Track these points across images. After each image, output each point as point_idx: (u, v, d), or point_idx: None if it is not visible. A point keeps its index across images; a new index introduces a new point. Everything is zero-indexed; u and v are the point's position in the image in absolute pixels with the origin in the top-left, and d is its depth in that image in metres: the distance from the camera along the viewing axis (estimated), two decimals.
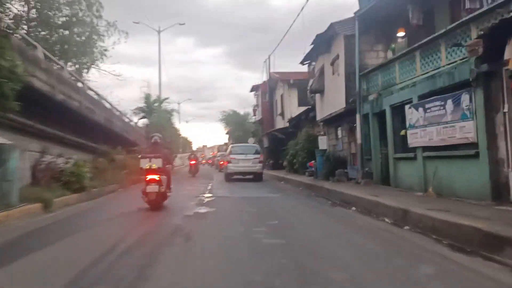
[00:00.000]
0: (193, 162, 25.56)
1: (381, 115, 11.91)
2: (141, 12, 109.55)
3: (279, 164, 28.25)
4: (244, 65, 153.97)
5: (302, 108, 24.33)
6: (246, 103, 74.38)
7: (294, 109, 26.53)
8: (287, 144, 25.03)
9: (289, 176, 19.78)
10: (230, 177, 19.09)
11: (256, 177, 18.93)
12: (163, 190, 9.05)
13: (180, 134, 51.55)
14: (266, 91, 32.18)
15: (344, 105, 13.80)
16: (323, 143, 17.25)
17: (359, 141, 13.05)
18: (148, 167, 8.93)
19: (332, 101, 15.16)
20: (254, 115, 36.61)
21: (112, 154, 17.74)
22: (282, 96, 28.62)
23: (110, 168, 16.61)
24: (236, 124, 44.11)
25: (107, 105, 19.82)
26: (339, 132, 15.78)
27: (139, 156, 9.99)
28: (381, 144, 12.09)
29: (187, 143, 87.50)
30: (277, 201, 11.21)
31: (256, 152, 19.51)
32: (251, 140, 39.65)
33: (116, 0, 56.93)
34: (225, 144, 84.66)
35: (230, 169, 19.04)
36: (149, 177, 8.83)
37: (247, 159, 18.83)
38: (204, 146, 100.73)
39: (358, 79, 12.97)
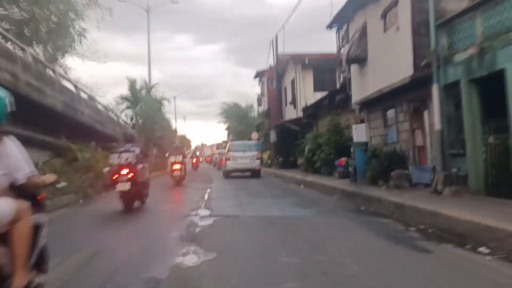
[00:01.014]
0: (194, 160, 29.43)
1: (485, 82, 7.28)
2: (139, 9, 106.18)
3: (291, 162, 23.67)
4: (243, 62, 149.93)
5: (319, 94, 19.73)
6: (247, 99, 69.97)
7: (309, 95, 21.92)
8: (301, 138, 20.47)
9: (310, 177, 15.17)
10: (229, 174, 19.15)
11: (254, 173, 19.04)
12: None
13: (174, 129, 47.30)
14: (273, 77, 27.53)
15: (410, 73, 9.13)
16: (360, 133, 12.66)
17: (437, 126, 8.45)
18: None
19: (383, 72, 10.55)
20: (259, 105, 31.86)
21: (75, 152, 13.09)
22: (293, 81, 23.97)
23: (71, 171, 12.04)
24: (237, 118, 39.52)
25: (71, 88, 15.15)
26: (392, 116, 11.08)
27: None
28: (484, 130, 7.46)
29: (185, 142, 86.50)
30: (316, 226, 6.67)
31: (254, 149, 19.58)
32: (254, 135, 35.14)
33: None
34: (224, 142, 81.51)
35: (228, 166, 19.10)
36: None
37: (245, 156, 18.84)
38: (203, 145, 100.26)
39: (434, 31, 8.35)
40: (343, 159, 14.46)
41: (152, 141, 24.28)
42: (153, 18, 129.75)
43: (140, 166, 8.15)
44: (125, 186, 7.75)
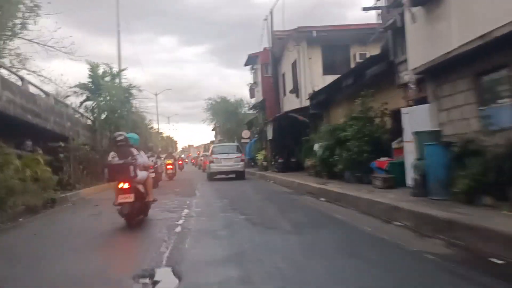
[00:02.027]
0: (180, 162, 31.74)
1: None
2: (123, 9, 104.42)
3: (293, 164, 19.10)
4: (229, 63, 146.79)
5: (330, 78, 15.18)
6: (236, 94, 65.29)
7: (317, 79, 17.39)
8: (309, 133, 15.96)
9: (332, 186, 10.55)
10: (213, 177, 18.90)
11: (239, 175, 18.96)
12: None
13: (153, 128, 43.04)
14: (268, 62, 22.91)
15: None
16: (417, 120, 8.14)
17: None
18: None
19: (488, 5, 5.93)
20: (252, 97, 27.07)
21: None
22: (295, 63, 19.33)
23: None
24: (225, 114, 34.77)
25: None
26: (500, 83, 6.39)
27: None
28: None
29: (171, 143, 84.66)
30: None
31: (238, 151, 19.55)
32: (246, 133, 30.50)
33: None
34: (212, 142, 77.21)
35: (212, 168, 18.89)
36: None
37: (229, 158, 18.74)
38: (190, 146, 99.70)
39: None
40: (385, 159, 9.93)
41: None
42: (136, 19, 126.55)
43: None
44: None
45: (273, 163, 20.72)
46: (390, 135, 10.46)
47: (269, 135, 21.01)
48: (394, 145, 10.07)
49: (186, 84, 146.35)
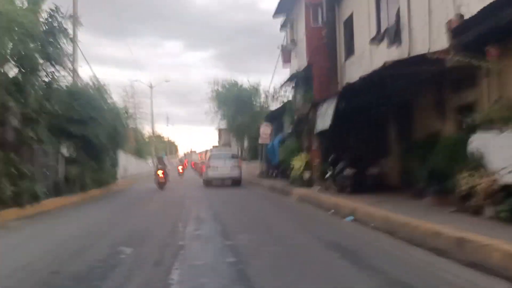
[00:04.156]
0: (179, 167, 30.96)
1: None
2: (128, 13, 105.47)
3: (372, 179, 9.60)
4: (234, 68, 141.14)
5: None
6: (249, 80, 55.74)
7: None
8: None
9: None
10: (210, 183, 18.72)
11: (235, 182, 18.53)
12: None
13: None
14: (320, 0, 13.30)
15: None
16: None
17: None
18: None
19: None
20: (286, 62, 16.82)
21: None
22: None
23: None
24: (237, 104, 25.22)
25: None
26: None
27: None
28: None
29: (172, 147, 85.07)
30: None
31: (235, 158, 19.49)
32: (265, 129, 21.31)
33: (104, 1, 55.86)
34: (215, 147, 68.47)
35: (209, 175, 18.85)
36: None
37: (225, 165, 18.49)
38: (193, 151, 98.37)
39: None
40: None
41: None
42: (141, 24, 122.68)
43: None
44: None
45: (329, 176, 11.04)
46: None
47: (322, 125, 11.26)
48: None
49: (190, 89, 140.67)
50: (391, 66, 7.58)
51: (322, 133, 11.90)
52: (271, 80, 41.96)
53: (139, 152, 40.80)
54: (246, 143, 31.75)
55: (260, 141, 21.17)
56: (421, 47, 8.44)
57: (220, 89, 26.27)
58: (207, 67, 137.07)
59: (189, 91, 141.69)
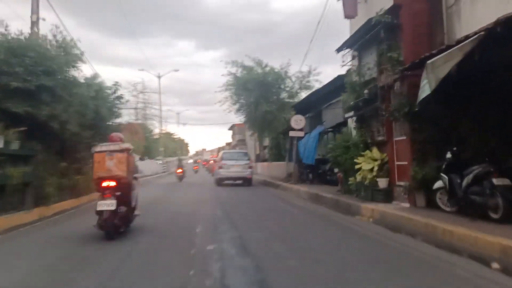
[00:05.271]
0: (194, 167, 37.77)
1: None
2: (141, 14, 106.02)
3: None
4: None
5: None
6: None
7: None
8: None
9: None
10: (221, 182, 18.69)
11: (246, 182, 18.31)
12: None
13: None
14: None
15: None
16: None
17: None
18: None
19: None
20: (349, 14, 11.48)
21: None
22: None
23: None
24: (261, 89, 20.40)
25: None
26: None
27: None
28: None
29: (183, 146, 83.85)
30: None
31: (246, 158, 19.03)
32: (297, 121, 16.61)
33: (116, 1, 57.85)
34: (227, 144, 64.10)
35: (221, 174, 18.81)
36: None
37: (237, 165, 18.48)
38: (204, 150, 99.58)
39: None
40: None
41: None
42: (153, 25, 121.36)
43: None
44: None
45: (443, 187, 6.09)
46: None
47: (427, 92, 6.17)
48: None
49: (201, 89, 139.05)
50: None
51: (422, 114, 6.95)
52: (302, 63, 37.35)
53: (148, 151, 36.30)
54: (267, 141, 26.86)
55: (291, 134, 16.30)
56: None
57: (240, 71, 21.33)
58: (219, 67, 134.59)
59: (201, 91, 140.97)
